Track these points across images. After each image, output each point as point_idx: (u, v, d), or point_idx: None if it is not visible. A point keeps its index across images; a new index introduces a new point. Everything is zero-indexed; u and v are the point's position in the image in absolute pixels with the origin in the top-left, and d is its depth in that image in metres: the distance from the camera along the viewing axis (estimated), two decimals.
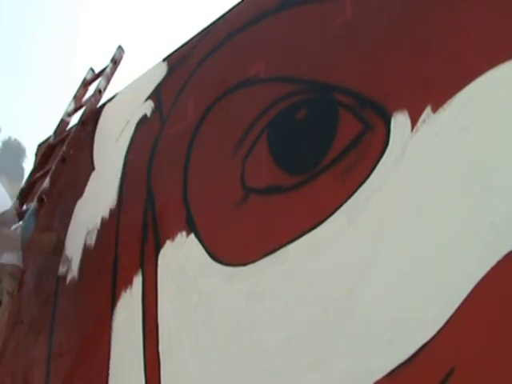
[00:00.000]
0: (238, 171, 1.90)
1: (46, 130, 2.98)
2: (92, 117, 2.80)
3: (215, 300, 1.74)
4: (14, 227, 2.22)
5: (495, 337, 1.19)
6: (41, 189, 2.38)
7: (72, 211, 2.55)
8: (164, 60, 2.64)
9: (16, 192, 2.46)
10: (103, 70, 2.98)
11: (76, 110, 2.94)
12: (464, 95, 1.46)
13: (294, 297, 1.55)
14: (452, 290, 1.27)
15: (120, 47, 3.05)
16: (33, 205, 2.32)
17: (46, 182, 2.39)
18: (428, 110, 1.51)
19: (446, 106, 1.48)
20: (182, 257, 1.93)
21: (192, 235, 1.94)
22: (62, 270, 2.36)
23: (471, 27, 1.55)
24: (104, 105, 2.89)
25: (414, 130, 1.51)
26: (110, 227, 2.30)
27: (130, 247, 2.18)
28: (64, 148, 2.55)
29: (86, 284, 2.30)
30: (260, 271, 1.67)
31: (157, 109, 2.48)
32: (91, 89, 3.03)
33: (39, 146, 3.07)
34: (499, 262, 1.23)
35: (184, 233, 1.97)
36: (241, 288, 1.69)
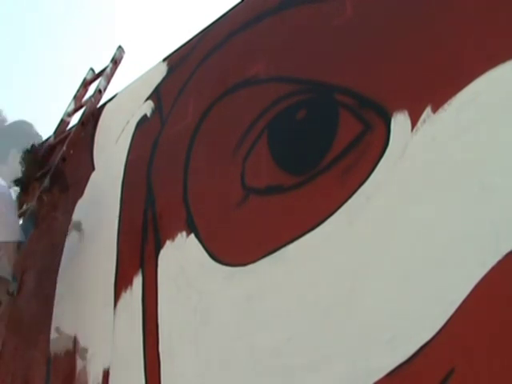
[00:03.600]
0: (238, 171, 1.90)
1: (47, 131, 2.98)
2: (92, 117, 2.80)
3: (215, 300, 1.74)
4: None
5: (495, 337, 1.19)
6: (41, 189, 2.38)
7: (72, 211, 2.54)
8: (164, 60, 2.64)
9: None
10: (103, 70, 2.98)
11: (76, 110, 2.94)
12: (464, 95, 1.46)
13: (294, 297, 1.55)
14: (452, 290, 1.27)
15: (120, 47, 3.05)
16: (32, 205, 2.32)
17: (46, 182, 2.39)
18: (428, 110, 1.51)
19: (446, 106, 1.48)
20: (182, 257, 1.93)
21: (192, 235, 1.94)
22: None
23: (471, 27, 1.55)
24: (104, 105, 2.89)
25: (414, 130, 1.51)
26: (110, 227, 2.30)
27: (130, 247, 2.18)
28: (64, 148, 2.55)
29: (87, 284, 2.30)
30: (260, 271, 1.67)
31: (157, 109, 2.48)
32: (91, 89, 3.03)
33: (39, 146, 3.07)
34: (499, 262, 1.23)
35: (184, 233, 1.97)
36: (241, 288, 1.69)
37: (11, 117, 2.54)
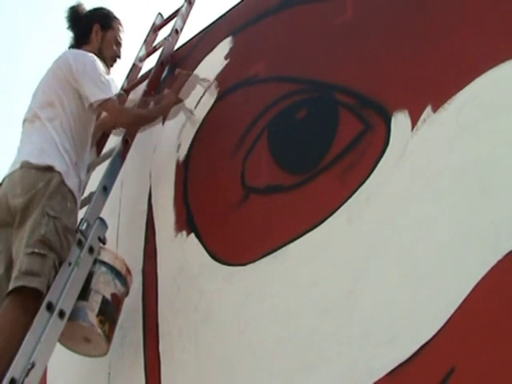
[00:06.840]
0: (238, 171, 1.90)
1: None
2: (171, 57, 2.66)
3: (215, 300, 1.74)
4: None
5: (495, 336, 1.19)
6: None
7: None
8: None
9: None
10: (178, 10, 2.84)
11: (149, 54, 2.80)
12: (464, 95, 1.46)
13: (294, 297, 1.55)
14: (452, 290, 1.27)
15: None
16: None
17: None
18: (428, 109, 1.51)
19: (446, 105, 1.48)
20: (182, 256, 1.93)
21: (192, 235, 1.94)
22: None
23: (471, 27, 1.55)
24: (179, 49, 2.76)
25: (415, 129, 1.51)
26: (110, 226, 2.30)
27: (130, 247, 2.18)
28: (145, 88, 2.42)
29: None
30: (260, 271, 1.67)
31: None
32: (160, 35, 2.90)
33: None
34: (499, 262, 1.23)
35: (184, 232, 1.97)
36: (241, 288, 1.69)
37: None
